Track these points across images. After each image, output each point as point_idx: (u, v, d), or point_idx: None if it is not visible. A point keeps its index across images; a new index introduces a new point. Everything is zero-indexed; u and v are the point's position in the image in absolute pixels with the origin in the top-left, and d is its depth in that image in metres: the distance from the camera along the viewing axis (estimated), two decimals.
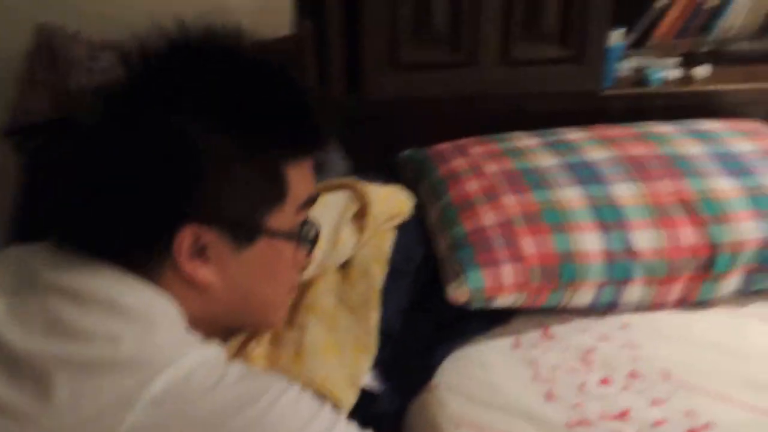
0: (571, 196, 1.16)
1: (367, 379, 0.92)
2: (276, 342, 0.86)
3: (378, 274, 1.01)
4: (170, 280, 0.67)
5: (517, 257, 1.07)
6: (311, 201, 0.76)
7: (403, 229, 1.08)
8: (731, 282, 1.15)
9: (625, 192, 1.18)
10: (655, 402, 0.98)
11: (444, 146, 1.36)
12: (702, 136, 1.32)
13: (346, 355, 0.90)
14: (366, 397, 0.89)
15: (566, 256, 1.08)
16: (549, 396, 0.99)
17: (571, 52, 1.45)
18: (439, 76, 1.45)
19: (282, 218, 0.71)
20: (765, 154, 1.28)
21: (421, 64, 1.44)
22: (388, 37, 1.39)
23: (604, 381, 1.02)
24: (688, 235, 1.13)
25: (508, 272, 1.06)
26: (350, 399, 0.84)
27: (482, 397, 0.99)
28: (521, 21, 1.41)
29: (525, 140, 1.34)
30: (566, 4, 1.41)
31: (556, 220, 1.12)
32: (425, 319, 1.08)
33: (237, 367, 0.64)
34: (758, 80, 1.56)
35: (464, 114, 1.46)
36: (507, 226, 1.11)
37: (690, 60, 1.59)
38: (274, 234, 0.71)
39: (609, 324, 1.12)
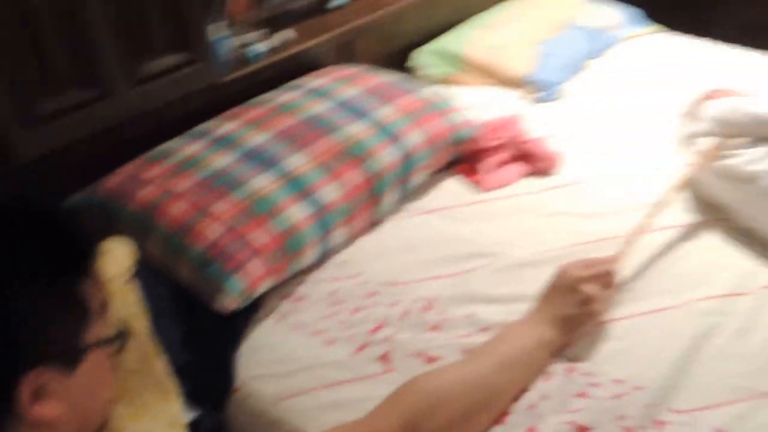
0: (263, 183, 1.38)
1: (186, 415, 1.04)
2: None
3: (141, 326, 1.08)
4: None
5: (255, 251, 1.27)
6: (106, 303, 0.82)
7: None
8: (391, 198, 1.51)
9: (298, 163, 1.43)
10: (393, 304, 1.30)
11: (111, 183, 1.42)
12: (320, 94, 1.62)
13: (155, 409, 1.01)
14: (193, 427, 1.03)
15: (287, 233, 1.32)
16: (329, 342, 1.24)
17: (186, 55, 1.59)
18: (78, 118, 1.48)
19: (94, 329, 0.77)
20: (369, 92, 1.63)
21: (56, 112, 1.45)
22: (13, 95, 1.35)
23: (355, 310, 1.30)
24: (353, 177, 1.44)
25: (255, 266, 1.26)
26: None
27: (281, 371, 1.20)
28: (135, 42, 1.50)
29: (187, 148, 1.48)
30: (169, 15, 1.53)
31: (265, 209, 1.33)
32: (203, 338, 1.23)
33: None
34: (326, 32, 1.90)
35: (113, 147, 1.51)
36: (233, 230, 1.29)
37: (272, 27, 1.85)
38: (94, 346, 0.77)
39: (332, 267, 1.40)
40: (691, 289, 1.33)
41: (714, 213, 1.49)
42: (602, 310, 1.20)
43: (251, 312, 1.29)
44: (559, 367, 1.18)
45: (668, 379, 1.15)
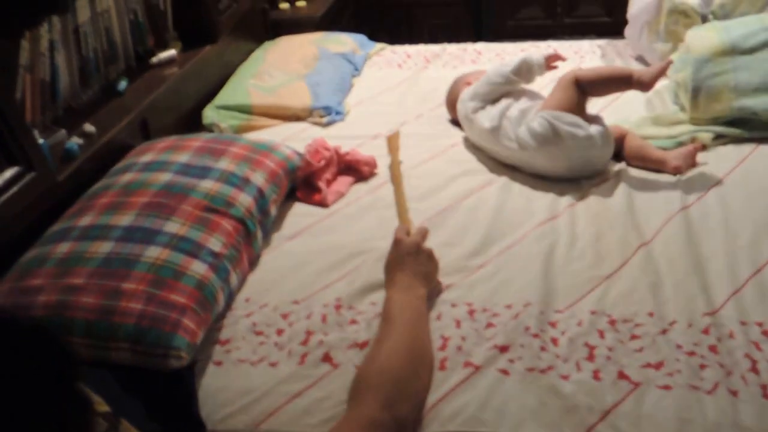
0: (155, 253, 1.45)
1: None
2: None
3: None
4: None
5: (182, 309, 1.37)
6: None
7: None
8: (260, 235, 1.67)
9: (175, 228, 1.52)
10: (308, 316, 1.47)
11: None
12: (157, 167, 1.71)
13: None
14: None
15: (199, 286, 1.42)
16: (273, 365, 1.38)
17: (21, 166, 1.59)
18: None
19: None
20: (198, 153, 1.77)
21: None
22: None
23: (279, 332, 1.45)
24: (226, 225, 1.58)
25: (188, 321, 1.36)
26: None
27: (245, 403, 1.29)
28: None
29: (58, 249, 1.48)
30: None
31: (170, 273, 1.42)
32: (162, 405, 1.30)
33: None
34: (123, 116, 1.98)
35: None
36: (153, 298, 1.36)
37: (70, 123, 1.90)
38: None
39: (241, 306, 1.53)
40: (521, 226, 1.68)
41: (498, 170, 1.91)
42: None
43: (191, 367, 1.38)
44: (461, 312, 1.45)
45: (543, 291, 1.48)
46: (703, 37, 2.05)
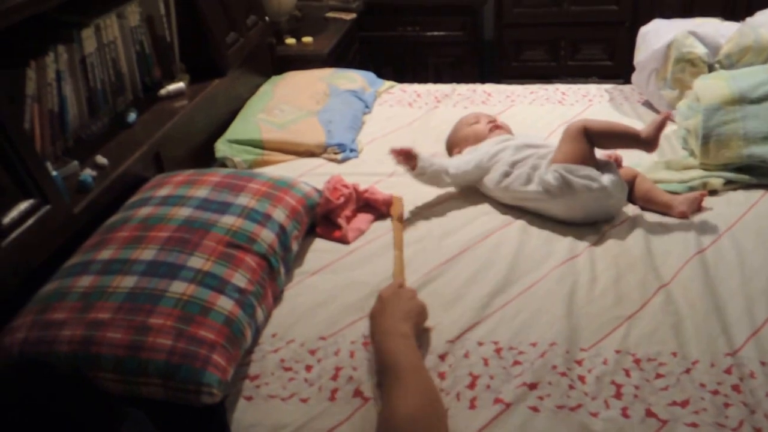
0: (181, 288, 1.45)
1: None
2: None
3: None
4: None
5: (211, 345, 1.37)
6: None
7: None
8: (283, 271, 1.68)
9: (199, 263, 1.52)
10: (336, 352, 1.48)
11: (15, 339, 1.40)
12: (175, 201, 1.71)
13: None
14: None
15: (227, 322, 1.43)
16: (304, 400, 1.38)
17: (36, 198, 1.59)
18: None
19: None
20: (218, 188, 1.77)
21: None
22: None
23: (308, 368, 1.46)
24: (250, 262, 1.59)
25: (218, 358, 1.36)
26: None
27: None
28: None
29: (79, 283, 1.48)
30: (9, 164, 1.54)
31: (197, 309, 1.42)
32: None
33: None
34: (134, 148, 1.99)
35: None
36: (182, 334, 1.37)
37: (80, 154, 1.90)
38: None
39: (267, 342, 1.53)
40: (541, 266, 1.71)
41: (516, 213, 1.93)
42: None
43: (222, 401, 1.38)
44: (489, 351, 1.46)
45: (567, 330, 1.50)
46: (712, 86, 2.11)
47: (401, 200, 1.96)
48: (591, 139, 1.84)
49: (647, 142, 1.81)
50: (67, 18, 1.92)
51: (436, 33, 3.73)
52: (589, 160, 1.83)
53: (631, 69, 2.61)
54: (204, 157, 2.30)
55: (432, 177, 1.94)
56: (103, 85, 2.06)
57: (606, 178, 1.81)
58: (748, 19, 2.40)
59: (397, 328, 1.39)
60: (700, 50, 2.34)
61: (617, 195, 1.83)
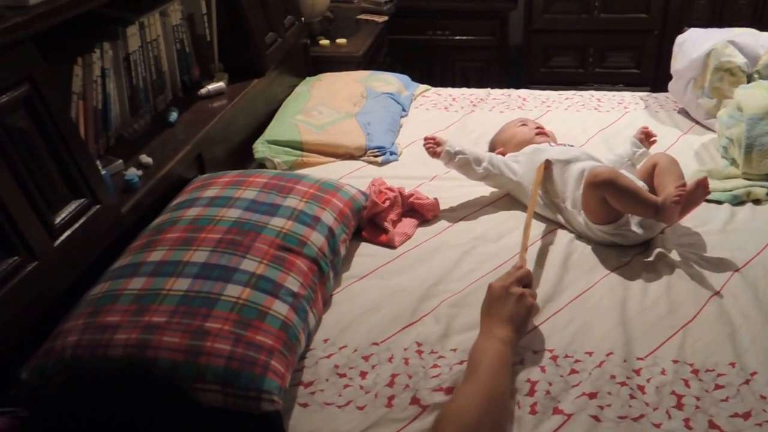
0: (236, 292, 1.43)
1: None
2: None
3: None
4: None
5: (270, 351, 1.35)
6: None
7: None
8: (332, 275, 1.67)
9: (252, 266, 1.50)
10: (390, 359, 1.47)
11: (68, 342, 1.37)
12: (223, 203, 1.70)
13: None
14: None
15: (284, 327, 1.41)
16: (360, 408, 1.37)
17: (87, 198, 1.58)
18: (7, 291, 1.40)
19: None
20: (266, 190, 1.76)
21: None
22: None
23: (363, 374, 1.45)
24: (301, 265, 1.58)
25: (276, 364, 1.34)
26: None
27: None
28: (42, 197, 1.47)
29: (130, 285, 1.47)
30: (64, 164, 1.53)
31: (253, 314, 1.40)
32: None
33: None
34: (177, 149, 1.98)
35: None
36: (240, 339, 1.34)
37: (124, 153, 1.90)
38: None
39: (320, 348, 1.52)
40: (590, 273, 1.70)
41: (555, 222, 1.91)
42: (533, 301, 1.48)
43: (278, 410, 1.36)
44: (545, 358, 1.45)
45: (622, 338, 1.49)
46: (755, 96, 2.10)
47: (542, 168, 1.88)
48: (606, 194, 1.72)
49: (665, 214, 1.68)
50: (113, 14, 1.92)
51: (465, 37, 3.75)
52: (616, 213, 1.76)
53: (658, 77, 2.62)
54: (243, 157, 2.29)
55: (460, 165, 1.98)
56: (145, 83, 2.06)
57: (636, 227, 1.77)
58: None
59: (496, 330, 1.39)
60: (739, 60, 2.33)
61: (653, 227, 1.81)
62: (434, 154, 1.99)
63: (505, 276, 1.49)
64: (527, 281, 1.51)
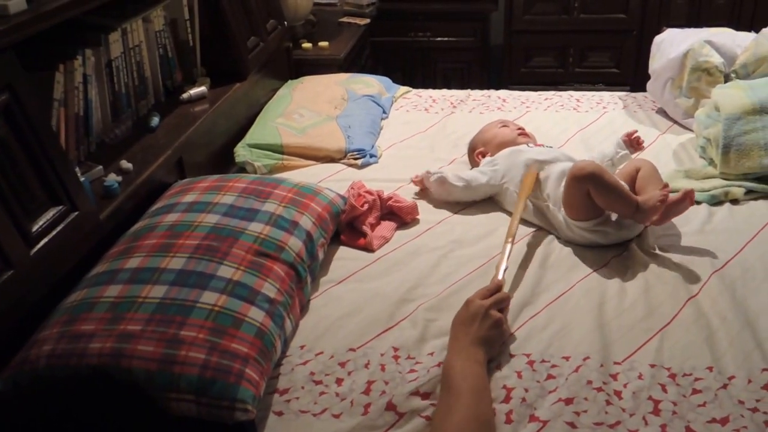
0: (212, 299, 1.42)
1: None
2: None
3: None
4: None
5: (244, 359, 1.34)
6: None
7: None
8: (309, 280, 1.66)
9: (229, 272, 1.49)
10: (366, 365, 1.47)
11: (42, 351, 1.36)
12: (201, 208, 1.69)
13: None
14: None
15: (259, 334, 1.40)
16: (336, 416, 1.36)
17: (65, 205, 1.57)
18: None
19: None
20: (244, 195, 1.75)
21: None
22: None
23: (339, 381, 1.44)
24: (278, 270, 1.57)
25: (251, 372, 1.33)
26: None
27: None
28: (19, 204, 1.46)
29: (106, 293, 1.45)
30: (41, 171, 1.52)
31: (229, 321, 1.39)
32: None
33: None
34: (158, 154, 1.97)
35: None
36: (215, 348, 1.33)
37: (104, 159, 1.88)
38: None
39: (296, 354, 1.51)
40: (568, 276, 1.70)
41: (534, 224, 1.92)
42: (508, 329, 1.50)
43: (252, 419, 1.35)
44: (521, 363, 1.45)
45: (599, 343, 1.49)
46: (732, 96, 2.11)
47: (534, 175, 1.89)
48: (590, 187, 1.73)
49: (644, 213, 1.72)
50: (96, 21, 1.90)
51: (446, 39, 3.76)
52: (596, 210, 1.77)
53: (638, 77, 2.62)
54: (224, 161, 2.28)
55: (440, 183, 1.98)
56: (127, 88, 2.04)
57: (615, 226, 1.78)
58: (764, 30, 2.40)
59: (472, 351, 1.38)
60: (717, 60, 2.34)
61: (630, 233, 1.81)
62: (421, 185, 2.07)
63: (485, 292, 1.49)
64: (504, 305, 1.51)
